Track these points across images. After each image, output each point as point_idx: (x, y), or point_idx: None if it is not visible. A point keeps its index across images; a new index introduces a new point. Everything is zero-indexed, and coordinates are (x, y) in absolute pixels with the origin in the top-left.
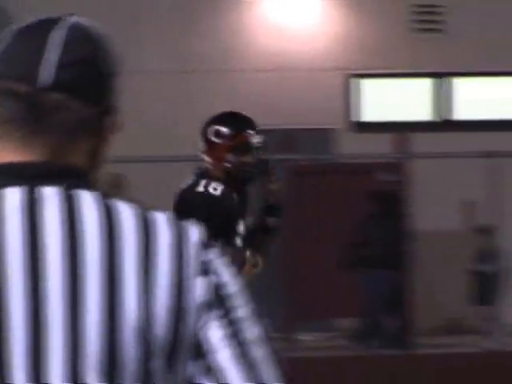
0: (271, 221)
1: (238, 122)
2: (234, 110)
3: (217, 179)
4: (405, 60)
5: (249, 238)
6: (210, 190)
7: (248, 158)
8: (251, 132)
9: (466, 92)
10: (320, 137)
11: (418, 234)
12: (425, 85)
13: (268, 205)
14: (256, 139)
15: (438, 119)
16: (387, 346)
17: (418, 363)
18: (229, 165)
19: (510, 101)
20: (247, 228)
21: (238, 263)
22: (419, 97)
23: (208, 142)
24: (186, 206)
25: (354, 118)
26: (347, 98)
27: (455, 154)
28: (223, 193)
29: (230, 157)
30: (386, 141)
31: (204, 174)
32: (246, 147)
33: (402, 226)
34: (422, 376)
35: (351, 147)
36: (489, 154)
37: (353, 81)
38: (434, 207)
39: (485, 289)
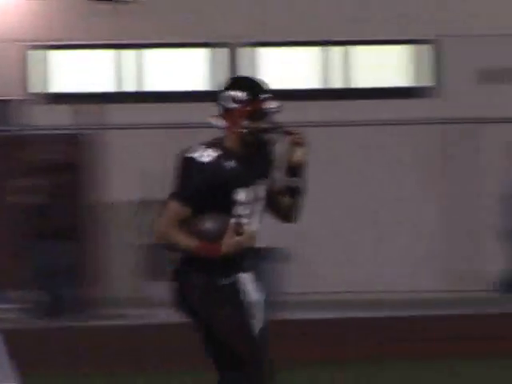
0: (292, 181)
1: (254, 87)
2: (248, 76)
3: (229, 145)
4: (86, 31)
5: (270, 203)
6: (197, 155)
7: (264, 124)
8: (267, 97)
9: (142, 64)
10: (2, 108)
11: (99, 205)
12: (107, 56)
13: (288, 166)
14: (272, 104)
15: (122, 90)
16: (67, 318)
17: (99, 334)
18: (244, 130)
19: (196, 72)
20: (271, 192)
21: (220, 231)
22: (101, 68)
23: (223, 107)
24: (177, 171)
25: (37, 90)
26: (27, 70)
27: (138, 125)
28: (211, 160)
29: (245, 122)
30: (69, 112)
31: (212, 143)
32: (262, 112)
33: (79, 197)
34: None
35: (35, 119)
36: (170, 126)
37: (34, 53)
38: (117, 179)
39: (160, 262)
